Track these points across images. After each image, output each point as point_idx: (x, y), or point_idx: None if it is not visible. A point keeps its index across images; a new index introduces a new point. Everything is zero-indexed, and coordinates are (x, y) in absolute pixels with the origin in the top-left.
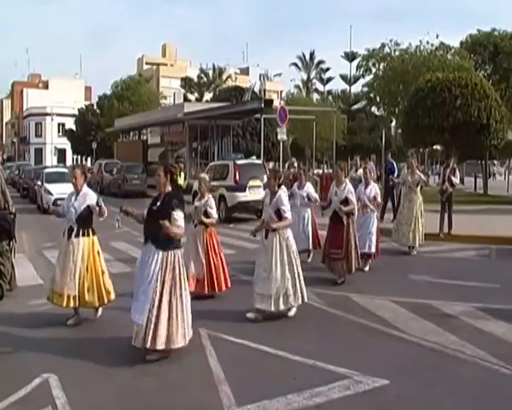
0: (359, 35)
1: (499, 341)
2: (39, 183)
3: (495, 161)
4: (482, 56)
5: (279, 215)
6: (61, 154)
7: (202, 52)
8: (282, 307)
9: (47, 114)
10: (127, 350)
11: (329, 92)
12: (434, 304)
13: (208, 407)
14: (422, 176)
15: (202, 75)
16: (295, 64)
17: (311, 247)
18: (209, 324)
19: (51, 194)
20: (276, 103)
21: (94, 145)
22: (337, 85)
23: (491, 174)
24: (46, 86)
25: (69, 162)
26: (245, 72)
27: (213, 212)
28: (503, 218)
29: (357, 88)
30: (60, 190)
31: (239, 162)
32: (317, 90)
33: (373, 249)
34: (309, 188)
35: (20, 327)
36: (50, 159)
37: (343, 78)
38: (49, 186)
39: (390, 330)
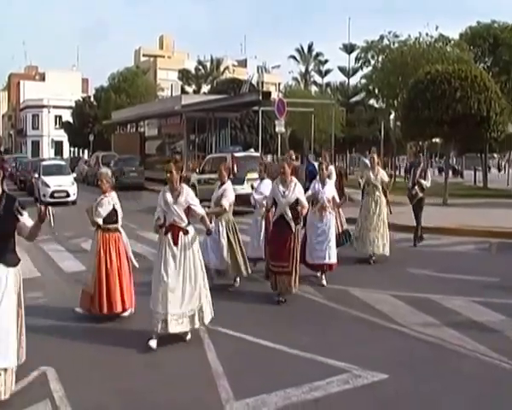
0: (358, 27)
1: (499, 335)
2: (36, 175)
3: (495, 155)
4: (482, 48)
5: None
6: (58, 146)
7: (200, 44)
8: (197, 324)
9: (44, 107)
10: (125, 344)
11: (328, 85)
12: (434, 298)
13: (207, 401)
14: (385, 175)
15: (200, 67)
16: (293, 56)
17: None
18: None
19: (48, 186)
20: (274, 96)
21: (91, 138)
22: (335, 78)
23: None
24: (43, 78)
25: (66, 155)
26: (243, 64)
27: (118, 213)
28: (503, 211)
29: (355, 80)
30: (57, 182)
31: (237, 155)
32: (315, 83)
33: (334, 259)
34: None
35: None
36: (47, 151)
37: (341, 70)
38: (47, 179)
39: (389, 324)
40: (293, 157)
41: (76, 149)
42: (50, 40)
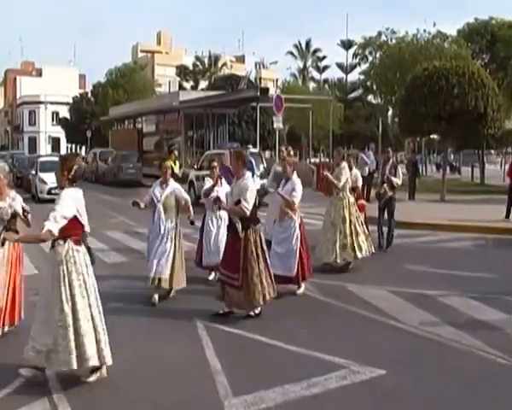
0: (356, 23)
1: (496, 331)
2: (33, 172)
3: (492, 151)
4: (479, 45)
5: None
6: (55, 142)
7: (198, 40)
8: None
9: (41, 103)
10: (123, 342)
11: (326, 81)
12: (431, 294)
13: (205, 397)
14: (341, 178)
15: (198, 63)
16: (291, 52)
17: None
18: (205, 315)
19: (45, 183)
20: (272, 92)
21: (88, 134)
22: (333, 74)
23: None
24: (40, 74)
25: (63, 151)
26: (240, 60)
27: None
28: (500, 208)
29: (353, 76)
30: (54, 179)
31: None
32: (313, 79)
33: (294, 271)
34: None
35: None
36: (44, 148)
37: (339, 66)
38: (44, 175)
39: (387, 320)
40: (292, 153)
41: (73, 145)
42: (47, 36)
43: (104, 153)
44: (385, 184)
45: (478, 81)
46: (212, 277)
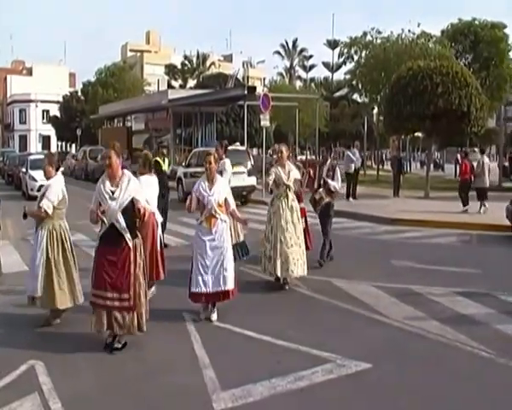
0: (342, 23)
1: (479, 325)
2: (24, 169)
3: (475, 149)
4: (463, 45)
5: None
6: (45, 140)
7: (186, 39)
8: None
9: (31, 101)
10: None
11: (312, 79)
12: (416, 289)
13: (193, 391)
14: (298, 173)
15: (186, 62)
16: (278, 52)
17: None
18: (194, 309)
19: (36, 180)
20: (260, 90)
21: (78, 132)
22: (320, 73)
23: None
24: (30, 73)
25: (54, 149)
26: (228, 59)
27: None
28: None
29: (339, 75)
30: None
31: None
32: (299, 78)
33: (230, 285)
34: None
35: (5, 314)
36: (35, 145)
37: (325, 65)
38: (34, 173)
39: (372, 314)
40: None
41: (63, 143)
42: (37, 35)
43: (94, 150)
44: (321, 189)
45: (461, 80)
46: None
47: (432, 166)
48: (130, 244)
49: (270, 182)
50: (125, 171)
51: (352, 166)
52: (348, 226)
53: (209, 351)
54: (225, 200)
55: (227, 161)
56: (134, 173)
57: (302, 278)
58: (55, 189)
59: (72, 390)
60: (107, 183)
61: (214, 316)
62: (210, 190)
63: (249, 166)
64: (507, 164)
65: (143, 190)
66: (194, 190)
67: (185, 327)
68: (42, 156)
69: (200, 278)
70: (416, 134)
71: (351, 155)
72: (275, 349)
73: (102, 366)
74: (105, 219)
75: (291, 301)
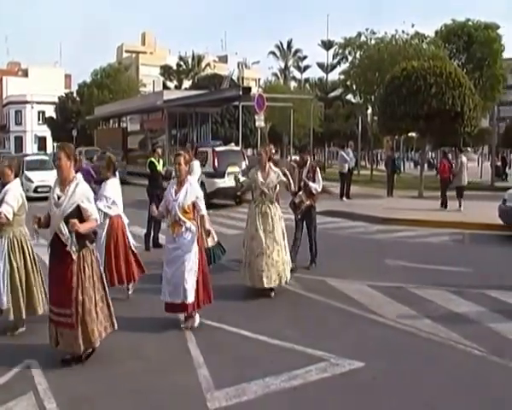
0: (336, 25)
1: (472, 323)
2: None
3: (469, 149)
4: (456, 46)
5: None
6: (41, 141)
7: (181, 41)
8: None
9: (27, 102)
10: (107, 337)
11: (306, 80)
12: (409, 288)
13: (188, 390)
14: (282, 176)
15: (181, 63)
16: (273, 52)
17: None
18: None
19: (32, 181)
20: (254, 91)
21: (74, 133)
22: (314, 73)
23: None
24: (26, 74)
25: (49, 150)
26: (223, 60)
27: None
28: (476, 204)
29: (333, 76)
30: (40, 177)
31: (218, 149)
32: (294, 78)
33: (190, 298)
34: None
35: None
36: (31, 147)
37: (320, 66)
38: (30, 174)
39: (366, 313)
40: (274, 151)
41: (59, 144)
42: (33, 36)
43: (89, 151)
44: (301, 192)
45: (455, 81)
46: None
47: (426, 165)
48: (75, 256)
49: (245, 184)
50: (78, 175)
51: (346, 165)
52: (342, 226)
53: (203, 351)
54: (194, 205)
55: (196, 163)
56: (132, 174)
57: (297, 278)
58: (15, 193)
59: (68, 390)
60: (57, 187)
61: (190, 324)
62: (176, 194)
63: (244, 166)
64: (499, 164)
65: (108, 194)
66: (165, 193)
67: (180, 326)
68: (38, 157)
69: (163, 286)
70: (409, 134)
71: (344, 154)
72: (269, 348)
73: (97, 366)
74: (37, 231)
75: (285, 300)
